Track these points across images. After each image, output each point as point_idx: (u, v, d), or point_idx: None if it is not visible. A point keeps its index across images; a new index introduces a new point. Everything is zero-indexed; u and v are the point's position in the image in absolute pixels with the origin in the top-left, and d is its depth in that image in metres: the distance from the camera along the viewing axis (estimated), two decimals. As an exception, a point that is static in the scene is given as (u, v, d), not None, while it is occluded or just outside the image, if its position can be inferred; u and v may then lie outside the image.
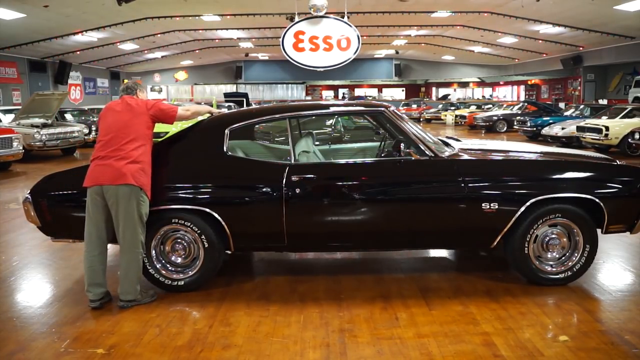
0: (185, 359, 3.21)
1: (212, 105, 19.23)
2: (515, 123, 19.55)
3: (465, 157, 4.33)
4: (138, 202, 3.82)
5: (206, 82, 38.62)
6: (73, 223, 4.11)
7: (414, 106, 34.36)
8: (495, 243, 4.16)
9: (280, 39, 13.81)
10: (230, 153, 4.25)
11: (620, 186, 4.20)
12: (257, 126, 5.68)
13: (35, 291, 4.42)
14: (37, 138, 13.05)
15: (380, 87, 43.51)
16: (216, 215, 4.04)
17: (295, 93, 40.66)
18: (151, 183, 3.96)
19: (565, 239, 4.21)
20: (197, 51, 30.19)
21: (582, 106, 18.51)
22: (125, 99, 4.06)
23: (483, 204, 4.04)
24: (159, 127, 14.62)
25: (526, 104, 22.44)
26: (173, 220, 4.10)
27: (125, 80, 4.62)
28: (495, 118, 22.13)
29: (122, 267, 3.90)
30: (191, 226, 4.09)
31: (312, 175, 4.16)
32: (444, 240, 4.34)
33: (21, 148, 11.92)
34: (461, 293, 4.15)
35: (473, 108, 28.22)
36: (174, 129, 12.82)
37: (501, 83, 40.19)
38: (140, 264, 3.94)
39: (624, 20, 17.42)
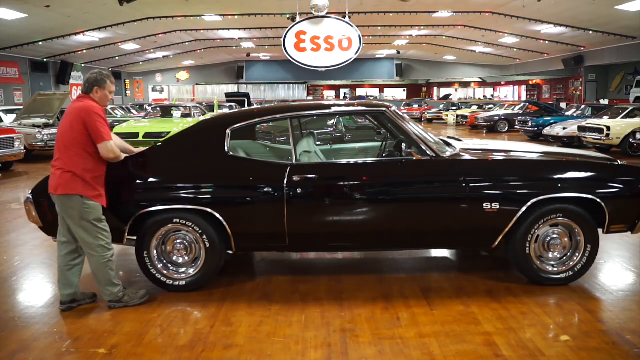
0: (186, 358, 3.21)
1: (212, 106, 19.29)
2: (517, 123, 19.53)
3: (467, 157, 4.33)
4: (81, 210, 3.72)
5: (208, 82, 38.66)
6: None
7: (416, 106, 34.34)
8: (496, 243, 4.15)
9: (282, 39, 13.83)
10: (231, 153, 4.25)
11: (621, 186, 4.19)
12: (258, 126, 5.69)
13: (36, 291, 4.42)
14: (38, 138, 13.06)
15: (381, 87, 43.53)
16: (217, 215, 4.04)
17: (296, 93, 40.69)
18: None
19: (566, 239, 4.21)
20: (198, 51, 30.24)
21: (583, 106, 18.49)
22: (77, 99, 3.85)
23: (484, 204, 4.04)
24: (161, 127, 14.58)
25: (527, 104, 22.42)
26: (174, 220, 4.10)
27: (93, 71, 4.17)
28: (497, 118, 22.11)
29: (91, 271, 3.91)
30: (192, 226, 4.09)
31: (314, 175, 4.16)
32: (446, 240, 4.34)
33: (23, 148, 11.94)
34: (463, 293, 4.15)
35: (474, 108, 28.19)
36: (175, 129, 12.87)
37: (502, 83, 40.18)
38: (104, 266, 3.84)
39: (625, 20, 17.41)
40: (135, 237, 4.17)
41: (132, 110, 23.92)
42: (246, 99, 24.20)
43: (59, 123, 15.20)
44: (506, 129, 21.74)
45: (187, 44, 26.65)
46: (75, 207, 3.73)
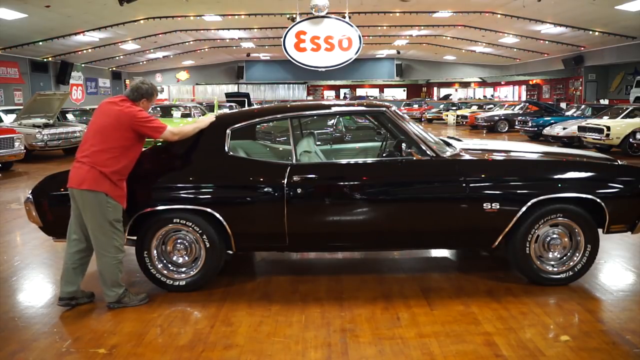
0: (186, 358, 3.21)
1: (213, 106, 19.30)
2: (517, 123, 19.53)
3: (467, 157, 4.33)
4: (103, 208, 3.73)
5: (208, 82, 38.66)
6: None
7: (416, 106, 34.35)
8: (496, 243, 4.15)
9: (282, 39, 13.82)
10: (231, 153, 4.25)
11: (621, 186, 4.19)
12: (258, 126, 5.68)
13: (37, 291, 4.42)
14: (38, 138, 13.06)
15: (381, 87, 43.53)
16: (218, 215, 4.04)
17: (296, 93, 40.68)
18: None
19: (566, 239, 4.21)
20: (198, 51, 30.23)
21: (583, 106, 18.49)
22: (118, 102, 3.91)
23: (484, 204, 4.04)
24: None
25: (527, 104, 22.43)
26: (174, 220, 4.10)
27: (140, 80, 4.23)
28: (497, 118, 22.11)
29: (98, 270, 3.91)
30: (193, 226, 4.09)
31: (314, 175, 4.16)
32: (446, 240, 4.34)
33: (23, 148, 11.94)
34: (463, 293, 4.15)
35: (474, 108, 28.19)
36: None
37: (502, 83, 40.18)
38: (115, 268, 3.85)
39: (625, 20, 17.41)
40: (135, 237, 4.17)
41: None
42: (246, 99, 24.21)
43: (59, 123, 15.23)
44: (506, 129, 21.75)
45: (187, 44, 26.65)
46: (98, 205, 3.73)
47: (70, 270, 3.90)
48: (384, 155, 4.81)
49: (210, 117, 4.35)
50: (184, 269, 4.23)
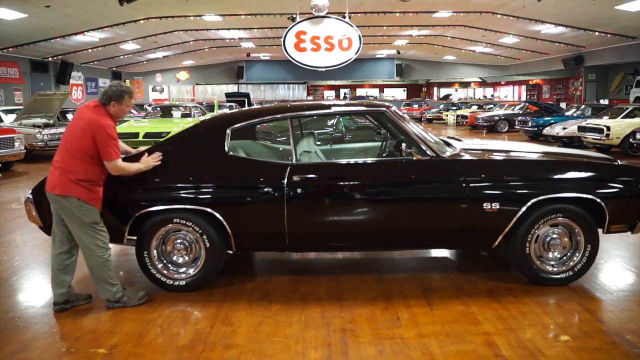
0: (186, 358, 3.21)
1: (212, 106, 19.29)
2: (517, 123, 19.53)
3: (467, 157, 4.33)
4: (78, 212, 3.72)
5: (208, 82, 38.64)
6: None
7: (416, 106, 34.35)
8: (496, 243, 4.16)
9: (282, 39, 13.82)
10: (231, 153, 4.25)
11: (621, 186, 4.20)
12: (258, 126, 5.69)
13: (36, 291, 4.43)
14: (38, 138, 13.07)
15: (381, 87, 43.52)
16: (218, 215, 4.04)
17: (296, 93, 40.67)
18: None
19: (566, 239, 4.21)
20: (198, 51, 30.22)
21: (583, 106, 18.50)
22: (92, 106, 3.84)
23: (484, 204, 4.04)
24: (161, 127, 14.56)
25: (527, 104, 22.43)
26: (174, 220, 4.10)
27: (111, 83, 4.16)
28: (497, 118, 22.11)
29: (88, 270, 3.92)
30: (193, 226, 4.09)
31: (314, 175, 4.16)
32: (445, 240, 4.34)
33: (23, 148, 11.94)
34: (463, 293, 4.15)
35: (474, 108, 28.20)
36: (175, 129, 12.87)
37: (502, 83, 40.18)
38: (103, 266, 3.83)
39: (625, 21, 17.41)
40: (135, 237, 4.17)
41: (132, 110, 23.91)
42: (246, 99, 24.20)
43: (59, 123, 15.22)
44: (506, 129, 21.75)
45: (187, 44, 26.65)
46: (72, 209, 3.74)
47: (57, 272, 3.91)
48: (384, 155, 4.81)
49: (154, 160, 4.06)
50: (184, 269, 4.23)
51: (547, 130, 16.42)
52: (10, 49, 20.61)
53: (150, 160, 4.06)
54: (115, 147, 3.79)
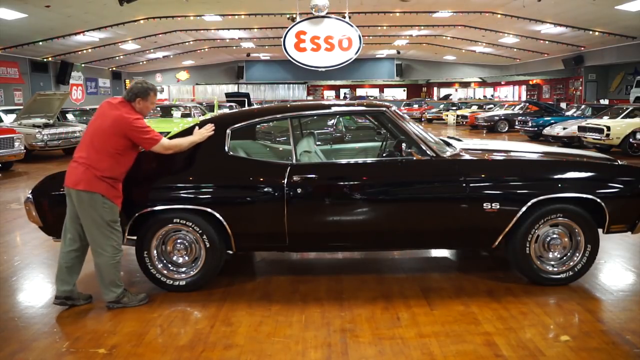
0: (186, 359, 3.21)
1: (212, 106, 19.29)
2: (517, 123, 19.53)
3: (467, 157, 4.33)
4: (99, 208, 3.72)
5: (208, 82, 38.66)
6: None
7: (416, 106, 34.34)
8: (496, 243, 4.15)
9: (282, 39, 13.82)
10: (231, 153, 4.25)
11: (621, 186, 4.19)
12: (258, 126, 5.69)
13: (37, 291, 4.42)
14: (38, 138, 13.07)
15: (381, 87, 43.53)
16: (218, 215, 4.04)
17: (296, 93, 40.69)
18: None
19: (566, 239, 4.21)
20: (198, 51, 30.23)
21: (583, 106, 18.49)
22: (117, 104, 3.87)
23: (484, 204, 4.04)
24: (161, 127, 14.58)
25: (527, 104, 22.42)
26: (174, 220, 4.10)
27: (136, 80, 4.18)
28: (497, 118, 22.11)
29: (95, 269, 3.90)
30: (193, 226, 4.09)
31: (314, 175, 4.16)
32: (446, 240, 4.34)
33: (23, 148, 11.94)
34: (463, 293, 4.15)
35: (474, 108, 28.20)
36: (175, 129, 12.86)
37: (502, 83, 40.18)
38: (112, 268, 3.83)
39: (626, 20, 17.41)
40: (135, 237, 4.17)
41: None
42: (246, 99, 24.20)
43: (59, 123, 15.24)
44: (506, 129, 21.75)
45: (187, 44, 26.65)
46: (94, 205, 3.72)
47: (63, 269, 3.90)
48: (384, 155, 4.81)
49: (208, 131, 4.17)
50: (184, 269, 4.23)
51: (547, 130, 16.42)
52: (10, 49, 20.61)
53: (204, 131, 4.13)
54: (151, 132, 3.84)
